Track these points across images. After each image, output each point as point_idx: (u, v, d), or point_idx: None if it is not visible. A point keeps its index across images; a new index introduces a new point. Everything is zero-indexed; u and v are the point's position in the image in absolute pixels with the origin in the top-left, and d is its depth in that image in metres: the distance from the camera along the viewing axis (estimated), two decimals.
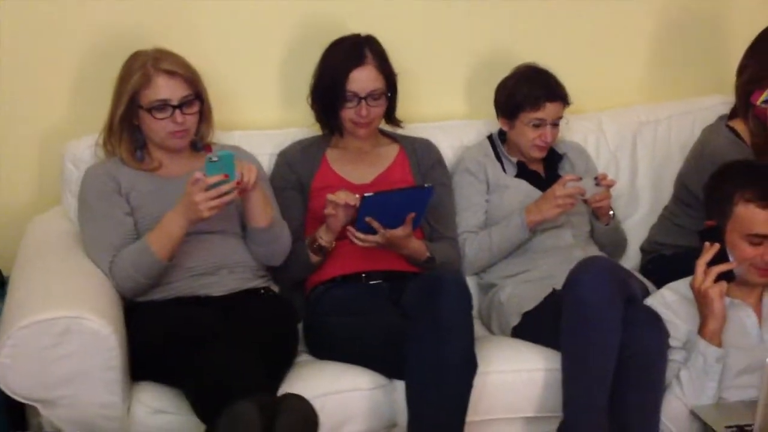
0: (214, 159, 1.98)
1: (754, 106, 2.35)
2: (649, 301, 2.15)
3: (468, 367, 1.97)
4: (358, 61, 2.29)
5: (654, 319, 2.06)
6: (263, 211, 2.14)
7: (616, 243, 2.55)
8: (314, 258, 2.26)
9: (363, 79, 2.29)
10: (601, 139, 2.70)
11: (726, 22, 2.85)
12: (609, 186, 2.38)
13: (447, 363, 1.92)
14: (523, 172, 2.49)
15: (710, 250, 2.03)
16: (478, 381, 2.02)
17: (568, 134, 2.65)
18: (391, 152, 2.46)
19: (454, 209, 2.47)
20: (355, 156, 2.42)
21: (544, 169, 2.51)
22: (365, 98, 2.30)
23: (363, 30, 2.39)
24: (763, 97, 2.34)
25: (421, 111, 2.67)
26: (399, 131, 2.51)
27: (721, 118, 2.49)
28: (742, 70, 2.40)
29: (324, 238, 2.23)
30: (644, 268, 2.54)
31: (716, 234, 2.06)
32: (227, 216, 2.17)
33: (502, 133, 2.53)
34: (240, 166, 2.04)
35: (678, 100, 2.79)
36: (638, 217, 2.68)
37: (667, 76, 2.83)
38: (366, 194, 2.12)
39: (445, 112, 2.72)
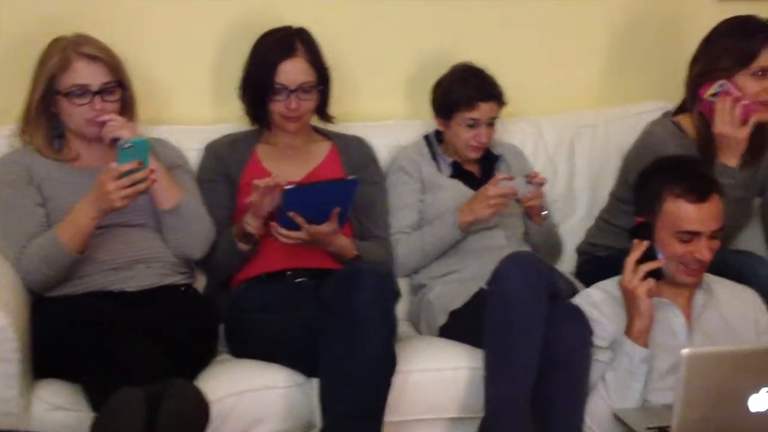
0: (127, 146, 1.92)
1: (701, 100, 2.31)
2: (576, 300, 2.11)
3: (385, 363, 1.91)
4: (288, 53, 2.25)
5: (577, 317, 2.02)
6: (167, 191, 2.07)
7: (550, 245, 2.52)
8: (242, 246, 2.20)
9: (293, 71, 2.24)
10: (539, 143, 2.67)
11: (675, 29, 2.84)
12: (540, 184, 2.36)
13: (361, 358, 1.86)
14: (459, 172, 2.45)
15: (639, 248, 1.99)
16: (398, 380, 1.97)
17: (506, 137, 2.62)
18: (322, 149, 2.41)
19: (387, 209, 2.42)
20: (285, 152, 2.36)
21: (480, 170, 2.47)
22: (295, 91, 2.25)
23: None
24: (711, 91, 2.29)
25: (361, 110, 2.63)
26: (332, 129, 2.46)
27: (666, 113, 2.46)
28: (694, 62, 2.37)
29: (250, 223, 2.16)
30: (579, 270, 2.51)
31: (646, 231, 2.02)
32: (145, 209, 2.11)
33: (439, 133, 2.49)
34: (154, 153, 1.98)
35: (619, 106, 2.77)
36: (575, 221, 2.64)
37: (614, 82, 2.80)
38: (287, 187, 2.06)
39: (386, 112, 2.67)
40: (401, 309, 2.33)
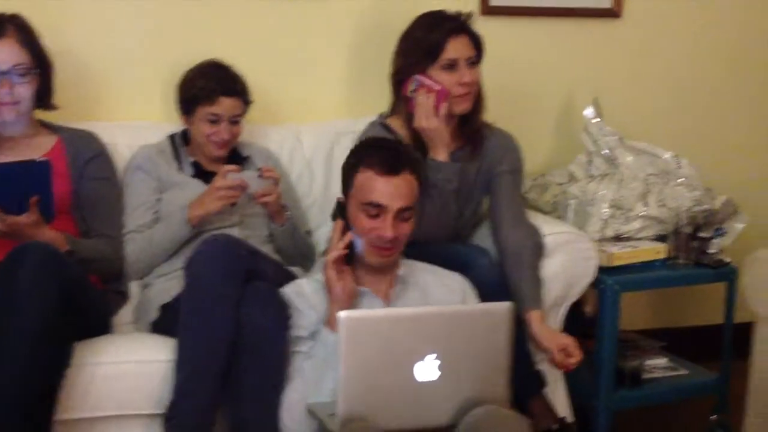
0: None
1: (406, 99, 2.30)
2: (286, 289, 2.02)
3: (35, 345, 1.75)
4: None
5: (272, 301, 1.93)
6: None
7: (298, 249, 2.42)
8: None
9: (3, 52, 2.15)
10: (297, 148, 2.63)
11: None
12: (274, 179, 2.29)
13: (10, 338, 1.72)
14: (200, 172, 2.37)
15: (337, 228, 1.94)
16: (84, 375, 1.84)
17: (265, 142, 2.58)
18: (46, 142, 2.30)
19: (118, 206, 2.32)
20: (5, 144, 2.23)
21: None
22: (7, 73, 2.15)
23: (53, 31, 2.29)
24: (411, 87, 2.29)
25: (113, 111, 2.57)
26: (62, 123, 2.35)
27: (380, 115, 2.43)
28: (393, 61, 2.36)
29: None
30: None
31: (344, 211, 1.97)
32: None
33: (186, 134, 2.43)
34: None
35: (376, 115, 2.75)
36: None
37: (370, 92, 2.70)
38: None
39: (140, 113, 2.59)
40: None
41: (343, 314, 1.63)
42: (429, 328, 1.67)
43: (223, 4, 2.68)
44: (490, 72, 2.82)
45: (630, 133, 2.93)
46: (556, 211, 2.74)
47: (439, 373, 1.68)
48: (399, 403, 1.67)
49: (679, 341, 2.95)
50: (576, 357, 2.10)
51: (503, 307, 1.73)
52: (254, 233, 2.35)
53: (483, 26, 2.88)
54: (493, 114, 2.62)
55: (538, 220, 2.47)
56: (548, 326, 2.21)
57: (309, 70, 2.78)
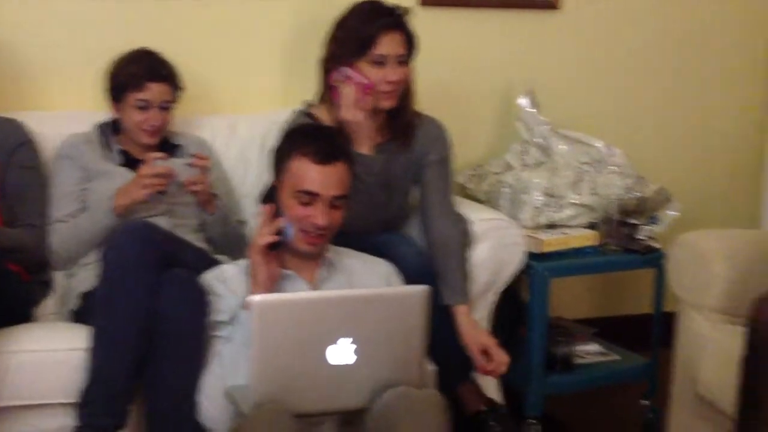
0: None
1: (332, 88, 2.30)
2: (207, 275, 2.01)
3: None
4: None
5: (189, 287, 1.92)
6: None
7: (230, 238, 2.40)
8: None
9: None
10: (231, 138, 2.62)
11: None
12: (203, 167, 2.27)
13: None
14: (129, 161, 2.35)
15: (266, 212, 1.93)
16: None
17: (199, 131, 2.56)
18: None
19: (43, 196, 2.29)
20: None
21: None
22: None
23: None
24: (337, 77, 2.27)
25: (43, 100, 2.54)
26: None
27: (304, 103, 2.42)
28: (325, 47, 2.35)
29: None
30: None
31: (275, 195, 1.97)
32: None
33: (117, 123, 2.40)
34: None
35: None
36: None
37: (303, 82, 2.65)
38: None
39: (71, 103, 2.56)
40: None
41: (255, 298, 1.63)
42: (344, 312, 1.67)
43: None
44: (429, 63, 2.84)
45: (567, 123, 2.97)
46: (491, 200, 2.77)
47: (355, 356, 1.69)
48: (313, 387, 1.68)
49: (617, 329, 3.00)
50: (497, 361, 2.11)
51: (418, 290, 1.74)
52: (183, 222, 2.33)
53: (423, 17, 2.91)
54: (432, 105, 2.63)
55: (468, 208, 2.50)
56: (473, 322, 2.21)
57: (244, 60, 2.77)
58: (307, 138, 1.98)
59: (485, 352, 2.14)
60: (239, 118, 2.69)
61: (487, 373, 2.15)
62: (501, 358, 2.12)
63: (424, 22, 2.86)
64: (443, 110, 2.75)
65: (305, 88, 2.62)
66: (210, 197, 2.33)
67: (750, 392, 1.89)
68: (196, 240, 2.33)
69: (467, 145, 3.10)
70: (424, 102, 2.56)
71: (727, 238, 2.24)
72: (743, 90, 3.37)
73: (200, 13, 2.70)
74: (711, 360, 2.11)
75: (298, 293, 1.83)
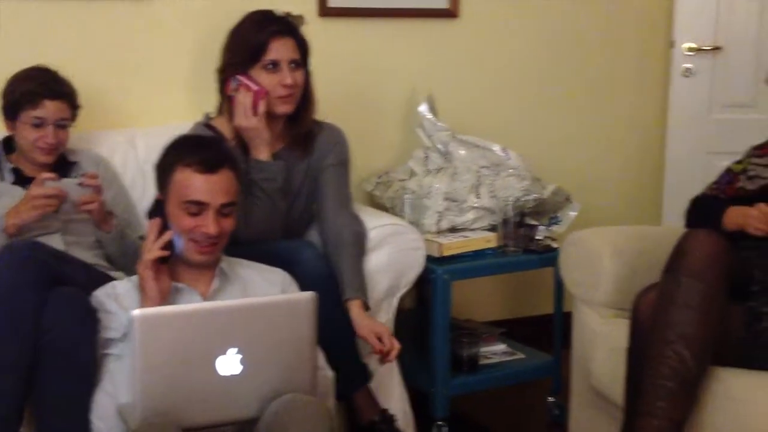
0: None
1: (230, 98, 2.31)
2: (98, 292, 1.98)
3: None
4: None
5: (78, 305, 1.90)
6: None
7: (128, 255, 2.33)
8: None
9: None
10: (130, 153, 2.60)
11: None
12: (95, 186, 2.24)
13: None
14: (22, 179, 2.30)
15: (154, 227, 1.93)
16: None
17: (98, 148, 2.54)
18: None
19: None
20: None
21: None
22: None
23: None
24: (232, 85, 2.30)
25: None
26: None
27: (205, 115, 2.43)
28: (221, 57, 2.36)
29: None
30: None
31: (161, 209, 1.96)
32: None
33: (10, 141, 2.36)
34: None
35: None
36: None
37: (204, 95, 2.63)
38: None
39: None
40: None
41: (135, 312, 1.62)
42: (230, 322, 1.67)
43: (55, 7, 2.62)
44: (332, 73, 2.87)
45: (468, 128, 3.03)
46: (396, 207, 2.81)
47: (242, 366, 1.69)
48: (202, 399, 1.67)
49: (526, 330, 3.07)
50: (388, 346, 2.14)
51: (305, 297, 1.75)
52: (79, 239, 2.30)
53: (322, 27, 2.95)
54: (338, 114, 2.66)
55: (369, 214, 2.52)
56: (366, 315, 2.23)
57: (147, 73, 2.76)
58: (189, 148, 1.98)
59: (379, 337, 2.17)
60: (140, 132, 2.67)
61: (381, 353, 2.17)
62: (394, 344, 2.16)
63: (324, 33, 2.91)
64: (349, 119, 2.78)
65: (210, 99, 2.61)
66: (105, 215, 2.30)
67: (633, 382, 1.96)
68: (93, 257, 2.31)
69: (374, 153, 3.15)
70: (330, 111, 2.59)
71: (615, 235, 2.31)
72: (642, 90, 3.49)
73: (99, 27, 2.68)
74: (602, 353, 2.18)
75: (180, 305, 1.83)
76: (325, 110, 2.57)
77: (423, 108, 2.87)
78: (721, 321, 1.90)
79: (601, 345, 2.17)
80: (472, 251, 2.63)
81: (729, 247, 1.94)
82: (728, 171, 2.23)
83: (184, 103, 2.79)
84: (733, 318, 1.94)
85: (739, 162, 2.22)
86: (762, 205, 2.00)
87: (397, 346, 2.16)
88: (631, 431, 1.89)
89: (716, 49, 3.33)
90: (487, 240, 2.66)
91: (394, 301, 2.46)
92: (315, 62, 2.53)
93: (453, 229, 2.73)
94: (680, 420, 1.85)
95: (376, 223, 2.42)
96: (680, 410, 1.84)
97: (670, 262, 1.96)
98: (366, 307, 2.25)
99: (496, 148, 2.82)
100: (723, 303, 1.91)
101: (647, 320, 1.94)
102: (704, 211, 2.15)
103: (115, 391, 1.85)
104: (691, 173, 3.27)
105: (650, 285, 2.01)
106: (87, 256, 2.29)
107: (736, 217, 2.04)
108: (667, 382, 1.83)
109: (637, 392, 1.88)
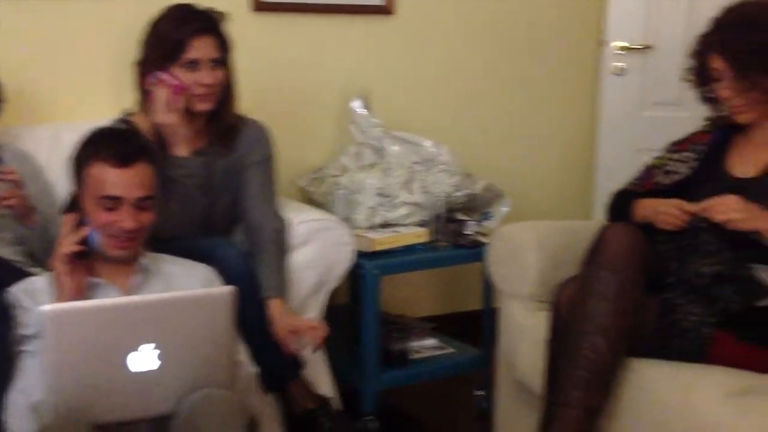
0: None
1: (147, 92, 2.28)
2: (14, 288, 1.93)
3: None
4: None
5: None
6: None
7: (50, 250, 2.28)
8: None
9: None
10: (55, 148, 2.53)
11: None
12: (14, 182, 2.20)
13: None
14: None
15: (69, 221, 1.89)
16: None
17: (20, 143, 2.48)
18: None
19: None
20: None
21: None
22: None
23: None
24: (150, 81, 2.27)
25: None
26: None
27: (125, 111, 2.39)
28: (140, 51, 2.32)
29: None
30: None
31: (77, 204, 1.93)
32: None
33: None
34: None
35: None
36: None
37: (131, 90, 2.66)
38: None
39: None
40: None
41: (45, 308, 1.59)
42: (146, 317, 1.65)
43: None
44: (266, 68, 2.85)
45: (401, 124, 3.04)
46: (329, 202, 2.81)
47: (159, 362, 1.67)
48: (115, 395, 1.64)
49: (458, 325, 3.10)
50: (308, 335, 2.15)
51: (224, 292, 1.74)
52: (2, 235, 2.27)
53: (255, 22, 2.94)
54: (271, 110, 2.65)
55: (298, 210, 2.52)
56: (285, 312, 2.22)
57: (72, 68, 2.72)
58: (103, 142, 1.95)
59: (296, 333, 2.17)
60: (66, 127, 2.60)
61: (297, 352, 2.17)
62: (317, 330, 2.16)
63: (257, 28, 2.90)
64: (283, 115, 2.77)
65: (136, 95, 2.64)
66: (27, 211, 2.25)
67: (552, 373, 1.99)
68: (14, 254, 2.26)
69: (308, 149, 3.15)
70: (264, 107, 2.58)
71: (541, 229, 2.34)
72: (574, 88, 3.54)
73: (21, 20, 2.62)
74: (525, 345, 2.20)
75: (93, 300, 1.80)
76: (258, 105, 2.56)
77: (356, 104, 2.88)
78: (636, 312, 1.94)
79: (526, 338, 2.20)
80: (403, 246, 2.65)
81: (645, 240, 1.98)
82: (648, 166, 2.27)
83: (109, 98, 2.73)
84: (649, 309, 1.98)
85: (660, 157, 2.27)
86: (677, 201, 2.04)
87: (322, 328, 2.16)
88: (549, 421, 1.92)
89: (647, 48, 3.41)
90: (418, 235, 2.68)
91: (323, 297, 2.46)
92: (248, 57, 2.53)
93: (385, 225, 2.74)
94: (596, 409, 1.88)
95: (304, 218, 2.42)
96: (596, 399, 1.88)
97: (588, 254, 1.99)
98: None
99: (428, 143, 2.84)
100: (639, 295, 1.95)
101: (567, 312, 1.97)
102: (620, 205, 2.19)
103: (29, 389, 1.80)
104: (622, 170, 3.26)
105: (570, 277, 2.04)
106: (7, 252, 2.24)
107: (644, 209, 2.09)
108: (583, 372, 1.86)
109: (555, 383, 1.91)
